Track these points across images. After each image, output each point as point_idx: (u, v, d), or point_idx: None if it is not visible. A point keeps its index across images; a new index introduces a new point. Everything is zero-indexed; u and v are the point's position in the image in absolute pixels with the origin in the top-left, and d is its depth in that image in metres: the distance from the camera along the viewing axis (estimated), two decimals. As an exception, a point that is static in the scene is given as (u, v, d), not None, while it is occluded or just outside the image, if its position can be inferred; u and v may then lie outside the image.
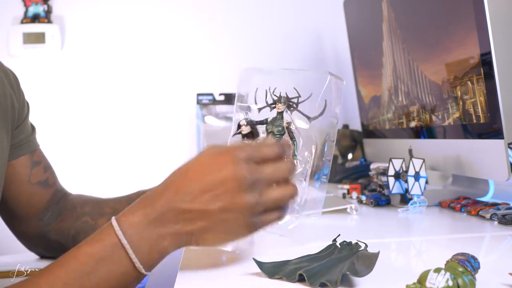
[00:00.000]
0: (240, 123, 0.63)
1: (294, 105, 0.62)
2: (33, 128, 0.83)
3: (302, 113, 0.62)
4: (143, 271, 0.48)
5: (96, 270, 0.47)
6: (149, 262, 0.49)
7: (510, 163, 0.76)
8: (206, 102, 1.42)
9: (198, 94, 1.43)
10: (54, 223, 0.83)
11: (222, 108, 1.42)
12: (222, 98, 1.42)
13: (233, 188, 0.48)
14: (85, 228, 0.81)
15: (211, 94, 1.43)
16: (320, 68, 1.64)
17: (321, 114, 0.63)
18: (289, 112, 0.62)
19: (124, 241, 0.48)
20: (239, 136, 0.64)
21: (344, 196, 1.06)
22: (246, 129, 0.63)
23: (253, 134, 0.63)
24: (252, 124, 0.63)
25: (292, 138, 0.62)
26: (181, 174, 0.51)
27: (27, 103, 0.82)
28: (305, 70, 0.68)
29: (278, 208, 0.52)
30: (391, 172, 0.90)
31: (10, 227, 0.84)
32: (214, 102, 1.42)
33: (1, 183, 0.70)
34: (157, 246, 0.48)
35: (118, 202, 0.83)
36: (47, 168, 0.84)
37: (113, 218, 0.49)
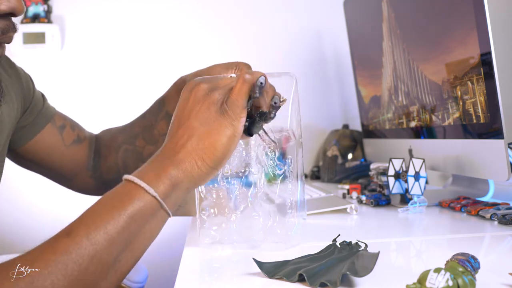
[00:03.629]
0: None
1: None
2: (43, 96, 0.86)
3: (271, 139, 0.63)
4: (158, 198, 0.51)
5: (120, 205, 0.50)
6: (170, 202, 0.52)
7: (510, 163, 0.76)
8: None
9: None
10: (101, 165, 0.88)
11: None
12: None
13: (193, 98, 0.55)
14: (128, 154, 0.86)
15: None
16: (320, 68, 1.64)
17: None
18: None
19: (144, 184, 0.50)
20: None
21: (344, 196, 1.06)
22: None
23: None
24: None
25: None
26: (170, 130, 0.56)
27: (30, 77, 0.84)
28: (273, 72, 0.69)
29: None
30: (391, 172, 0.90)
31: (70, 188, 0.92)
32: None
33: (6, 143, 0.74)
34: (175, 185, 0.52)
35: (143, 119, 0.85)
36: (73, 126, 0.87)
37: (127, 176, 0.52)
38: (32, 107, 0.81)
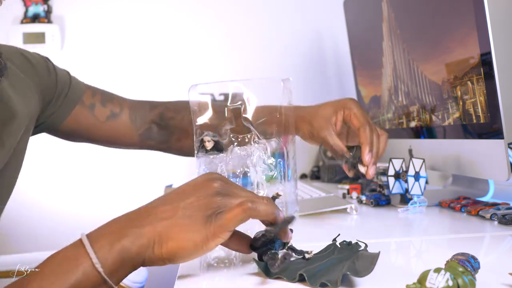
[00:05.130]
0: (204, 138, 0.64)
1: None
2: (68, 74, 0.87)
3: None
4: (103, 275, 0.45)
5: (63, 274, 0.45)
6: (110, 266, 0.46)
7: (510, 163, 0.76)
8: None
9: (199, 94, 1.43)
10: (146, 125, 0.91)
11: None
12: (222, 98, 1.42)
13: (200, 188, 0.49)
14: (168, 105, 0.92)
15: (212, 94, 1.42)
16: (320, 68, 1.64)
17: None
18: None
19: (94, 258, 0.45)
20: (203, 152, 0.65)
21: (344, 196, 1.06)
22: (209, 145, 0.64)
23: (217, 149, 0.64)
24: (215, 138, 0.65)
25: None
26: (158, 201, 0.51)
27: (46, 59, 0.84)
28: (255, 79, 0.70)
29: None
30: (391, 172, 0.90)
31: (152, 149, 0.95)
32: (214, 102, 1.42)
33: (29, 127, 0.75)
34: (117, 245, 0.46)
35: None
36: (105, 101, 0.89)
37: (83, 235, 0.47)
38: (59, 92, 0.82)
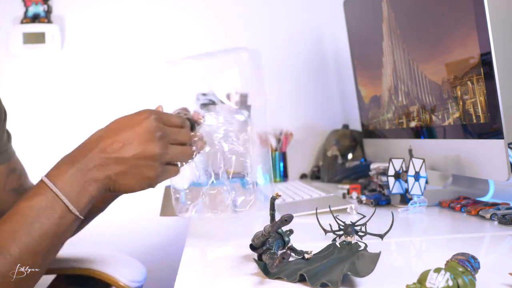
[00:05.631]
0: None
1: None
2: (8, 135, 0.82)
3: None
4: (77, 213, 0.56)
5: (37, 219, 0.54)
6: (80, 205, 0.57)
7: (510, 163, 0.76)
8: (205, 101, 1.42)
9: (198, 94, 1.43)
10: None
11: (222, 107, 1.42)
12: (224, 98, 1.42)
13: (144, 139, 0.60)
14: None
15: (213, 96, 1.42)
16: (320, 68, 1.64)
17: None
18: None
19: (56, 190, 0.55)
20: None
21: (344, 196, 1.06)
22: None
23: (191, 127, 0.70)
24: (187, 116, 0.70)
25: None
26: (100, 133, 0.61)
27: (4, 110, 0.79)
28: (220, 52, 0.74)
29: (177, 164, 0.64)
30: (391, 172, 0.90)
31: None
32: (214, 101, 1.42)
33: None
34: (85, 191, 0.57)
35: None
36: (21, 175, 0.83)
37: (43, 176, 0.57)
38: None
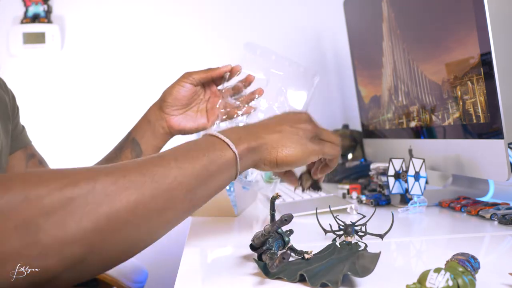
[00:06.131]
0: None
1: None
2: (23, 127, 0.88)
3: None
4: (235, 150, 0.55)
5: (213, 179, 0.53)
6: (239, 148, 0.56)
7: (510, 163, 0.76)
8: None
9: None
10: None
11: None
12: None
13: (304, 119, 0.64)
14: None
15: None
16: (320, 68, 1.64)
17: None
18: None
19: (219, 134, 0.55)
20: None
21: (344, 196, 1.06)
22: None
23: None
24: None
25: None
26: (264, 120, 0.64)
27: (17, 105, 0.86)
28: (298, 65, 0.77)
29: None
30: (391, 172, 0.90)
31: None
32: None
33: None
34: (245, 139, 0.57)
35: (109, 154, 0.88)
36: (41, 161, 0.88)
37: (226, 138, 0.56)
38: (12, 130, 0.82)
